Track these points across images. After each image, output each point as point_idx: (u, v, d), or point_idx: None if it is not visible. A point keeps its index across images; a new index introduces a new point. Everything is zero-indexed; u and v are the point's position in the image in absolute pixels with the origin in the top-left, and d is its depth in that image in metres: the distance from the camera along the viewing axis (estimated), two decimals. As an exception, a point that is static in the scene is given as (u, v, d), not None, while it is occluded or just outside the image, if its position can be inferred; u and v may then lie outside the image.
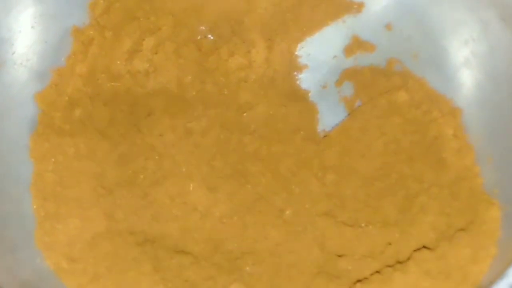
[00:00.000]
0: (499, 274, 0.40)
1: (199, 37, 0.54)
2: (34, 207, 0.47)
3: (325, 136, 0.52)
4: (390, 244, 0.45)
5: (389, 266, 0.44)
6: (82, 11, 0.52)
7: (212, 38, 0.54)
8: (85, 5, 0.52)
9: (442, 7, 0.51)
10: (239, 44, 0.54)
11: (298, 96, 0.54)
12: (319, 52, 0.55)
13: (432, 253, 0.44)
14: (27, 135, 0.49)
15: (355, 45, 0.54)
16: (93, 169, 0.49)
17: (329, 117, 0.53)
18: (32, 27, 0.50)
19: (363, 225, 0.47)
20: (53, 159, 0.48)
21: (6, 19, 0.49)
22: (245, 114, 0.52)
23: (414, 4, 0.52)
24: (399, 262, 0.44)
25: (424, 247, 0.44)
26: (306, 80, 0.55)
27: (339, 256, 0.46)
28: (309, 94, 0.54)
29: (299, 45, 0.55)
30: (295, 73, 0.55)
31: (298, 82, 0.55)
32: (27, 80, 0.50)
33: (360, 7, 0.54)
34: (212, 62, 0.53)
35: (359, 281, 0.44)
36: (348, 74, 0.54)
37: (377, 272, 0.44)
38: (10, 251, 0.45)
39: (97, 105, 0.50)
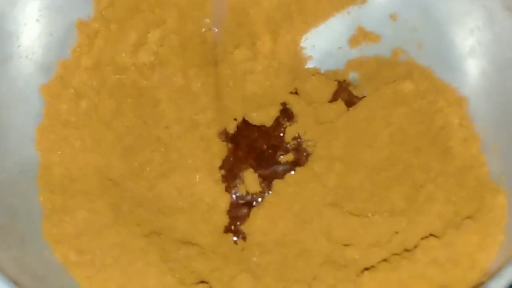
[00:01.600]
0: (507, 261, 0.40)
1: (204, 30, 0.54)
2: (41, 199, 0.47)
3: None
4: (397, 233, 0.45)
5: (396, 254, 0.44)
6: (87, 4, 0.52)
7: (217, 30, 0.54)
8: (90, -2, 0.52)
9: (447, -4, 0.51)
10: (244, 36, 0.53)
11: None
12: (324, 44, 0.55)
13: (439, 241, 0.44)
14: (33, 128, 0.49)
15: (360, 36, 0.54)
16: (99, 162, 0.49)
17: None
18: (37, 20, 0.50)
19: (369, 214, 0.47)
20: (59, 152, 0.48)
21: (12, 12, 0.49)
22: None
23: (419, -6, 0.52)
24: (407, 250, 0.44)
25: (431, 235, 0.44)
26: (311, 72, 0.55)
27: (346, 245, 0.45)
28: (315, 86, 0.54)
29: (304, 37, 0.55)
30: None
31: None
32: (33, 73, 0.50)
33: (365, -3, 0.54)
34: (217, 54, 0.53)
35: (366, 269, 0.44)
36: (353, 65, 0.54)
37: (385, 260, 0.44)
38: (18, 243, 0.45)
39: (103, 98, 0.50)
